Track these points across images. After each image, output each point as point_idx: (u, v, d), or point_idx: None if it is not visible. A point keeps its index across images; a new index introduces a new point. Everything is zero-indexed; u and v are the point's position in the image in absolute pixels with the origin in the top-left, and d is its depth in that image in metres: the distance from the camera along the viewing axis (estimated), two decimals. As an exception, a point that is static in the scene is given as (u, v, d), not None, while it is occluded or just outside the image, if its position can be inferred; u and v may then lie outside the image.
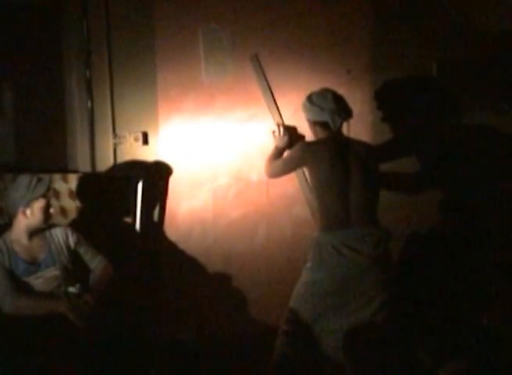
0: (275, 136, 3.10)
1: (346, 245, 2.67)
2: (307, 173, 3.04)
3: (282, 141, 3.06)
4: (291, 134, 3.11)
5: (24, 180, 2.67)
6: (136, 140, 3.27)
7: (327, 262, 2.69)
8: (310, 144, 2.84)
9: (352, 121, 3.07)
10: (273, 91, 3.17)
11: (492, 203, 3.09)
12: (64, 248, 2.75)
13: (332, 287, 2.68)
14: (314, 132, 2.84)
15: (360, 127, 3.06)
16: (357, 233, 2.68)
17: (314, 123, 2.81)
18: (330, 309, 2.68)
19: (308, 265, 2.76)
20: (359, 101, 3.12)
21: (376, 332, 2.68)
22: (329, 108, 2.73)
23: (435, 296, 3.02)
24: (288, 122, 3.16)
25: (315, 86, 3.14)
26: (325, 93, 2.78)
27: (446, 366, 2.40)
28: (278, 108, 3.17)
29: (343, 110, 2.75)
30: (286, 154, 2.99)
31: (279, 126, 3.12)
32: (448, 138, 3.11)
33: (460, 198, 3.13)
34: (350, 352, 2.67)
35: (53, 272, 2.68)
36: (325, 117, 2.74)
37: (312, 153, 2.75)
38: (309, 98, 2.79)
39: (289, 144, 3.07)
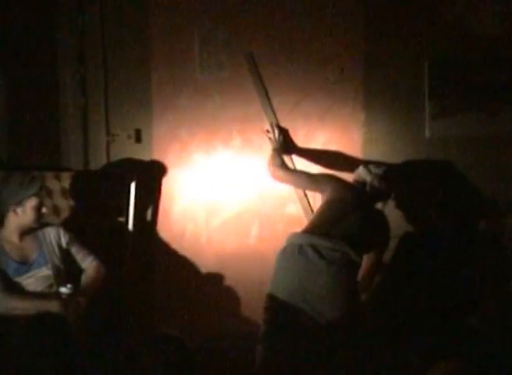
0: (268, 136, 3.11)
1: (313, 248, 2.66)
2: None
3: (278, 142, 3.08)
4: (285, 135, 3.12)
5: (17, 178, 2.65)
6: (129, 137, 3.28)
7: (289, 261, 2.69)
8: (347, 183, 2.93)
9: (344, 120, 3.10)
10: (268, 90, 3.15)
11: (482, 204, 3.10)
12: (56, 247, 2.73)
13: (290, 287, 2.66)
14: None
15: (352, 126, 3.04)
16: (329, 242, 2.67)
17: (355, 182, 2.91)
18: (292, 311, 2.65)
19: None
20: (352, 99, 3.09)
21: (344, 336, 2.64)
22: (375, 172, 2.86)
23: (424, 296, 3.04)
24: (282, 121, 3.15)
25: (310, 84, 3.14)
26: (382, 165, 2.94)
27: (435, 367, 2.41)
28: (272, 107, 3.16)
29: (384, 182, 2.85)
30: (318, 175, 3.01)
31: (272, 125, 3.12)
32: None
33: (449, 199, 3.14)
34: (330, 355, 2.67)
35: (45, 272, 2.66)
36: (367, 178, 2.86)
37: (343, 186, 2.85)
38: (366, 163, 2.96)
39: (285, 145, 3.08)
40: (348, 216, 2.75)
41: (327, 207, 2.82)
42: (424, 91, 3.05)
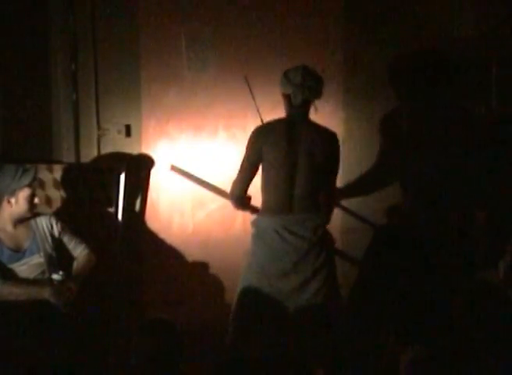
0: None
1: (288, 230, 2.71)
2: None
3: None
4: None
5: (10, 169, 2.70)
6: (119, 132, 3.33)
7: (271, 246, 2.74)
8: (261, 127, 2.85)
9: (324, 118, 3.17)
10: (252, 89, 3.17)
11: (459, 197, 3.21)
12: (48, 236, 2.80)
13: (272, 270, 2.74)
14: (284, 105, 2.83)
15: (332, 124, 3.12)
16: (298, 218, 2.71)
17: (282, 95, 2.77)
18: (270, 294, 2.73)
19: (251, 250, 2.83)
20: (332, 98, 3.20)
21: (317, 316, 2.73)
22: (294, 82, 2.68)
23: (399, 282, 3.16)
24: (265, 118, 3.21)
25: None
26: (298, 68, 2.72)
27: (409, 351, 2.52)
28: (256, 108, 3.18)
29: (307, 88, 2.68)
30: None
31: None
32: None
33: (429, 193, 3.25)
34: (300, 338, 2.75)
35: (37, 259, 2.73)
36: (289, 90, 2.71)
37: (265, 136, 2.77)
38: (286, 70, 2.77)
39: None
40: (293, 172, 2.69)
41: (270, 173, 2.72)
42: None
